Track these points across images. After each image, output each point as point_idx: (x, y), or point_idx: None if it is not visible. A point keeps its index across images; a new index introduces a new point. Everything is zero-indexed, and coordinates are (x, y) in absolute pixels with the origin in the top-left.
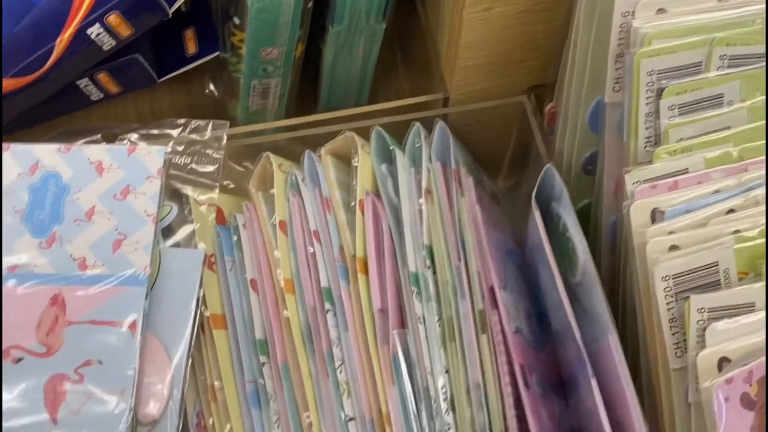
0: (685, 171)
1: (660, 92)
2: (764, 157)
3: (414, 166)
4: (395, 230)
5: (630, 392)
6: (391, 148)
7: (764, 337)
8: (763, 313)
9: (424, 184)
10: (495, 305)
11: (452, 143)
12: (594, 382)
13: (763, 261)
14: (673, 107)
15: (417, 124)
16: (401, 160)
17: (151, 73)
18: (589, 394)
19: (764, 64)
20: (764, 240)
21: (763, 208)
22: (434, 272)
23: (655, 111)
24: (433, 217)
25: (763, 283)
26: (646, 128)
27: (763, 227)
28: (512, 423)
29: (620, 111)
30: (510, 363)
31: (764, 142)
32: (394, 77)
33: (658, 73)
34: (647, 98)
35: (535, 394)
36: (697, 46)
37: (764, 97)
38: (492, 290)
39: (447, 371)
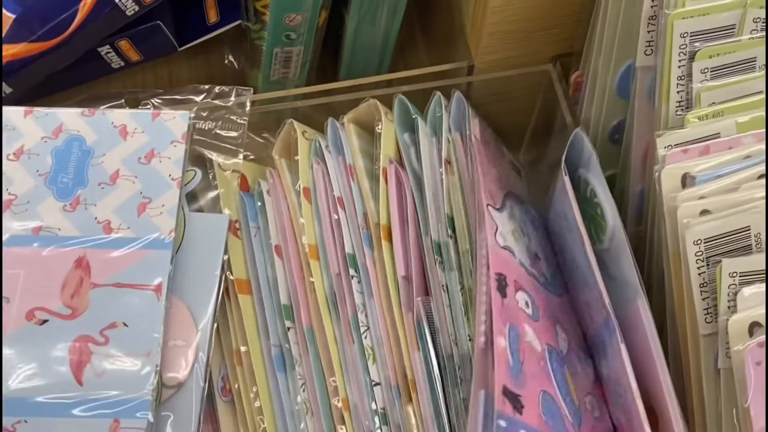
0: (717, 135)
1: (693, 55)
2: None
3: (435, 135)
4: (418, 199)
5: (658, 354)
6: (413, 116)
7: None
8: None
9: (444, 155)
10: (482, 225)
11: (469, 114)
12: (623, 348)
13: None
14: (706, 70)
15: (437, 93)
16: (423, 129)
17: (172, 40)
18: (617, 360)
19: None
20: None
21: None
22: (455, 242)
23: (687, 74)
24: (454, 188)
25: None
26: (678, 92)
27: None
28: (479, 340)
29: (651, 75)
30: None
31: None
32: (414, 52)
33: (691, 35)
34: (680, 61)
35: (516, 308)
36: (731, 8)
37: None
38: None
39: (471, 339)
